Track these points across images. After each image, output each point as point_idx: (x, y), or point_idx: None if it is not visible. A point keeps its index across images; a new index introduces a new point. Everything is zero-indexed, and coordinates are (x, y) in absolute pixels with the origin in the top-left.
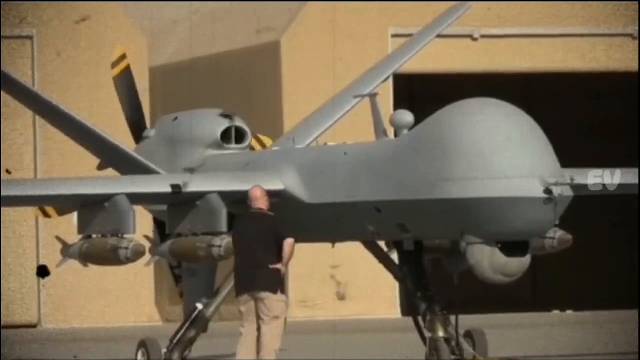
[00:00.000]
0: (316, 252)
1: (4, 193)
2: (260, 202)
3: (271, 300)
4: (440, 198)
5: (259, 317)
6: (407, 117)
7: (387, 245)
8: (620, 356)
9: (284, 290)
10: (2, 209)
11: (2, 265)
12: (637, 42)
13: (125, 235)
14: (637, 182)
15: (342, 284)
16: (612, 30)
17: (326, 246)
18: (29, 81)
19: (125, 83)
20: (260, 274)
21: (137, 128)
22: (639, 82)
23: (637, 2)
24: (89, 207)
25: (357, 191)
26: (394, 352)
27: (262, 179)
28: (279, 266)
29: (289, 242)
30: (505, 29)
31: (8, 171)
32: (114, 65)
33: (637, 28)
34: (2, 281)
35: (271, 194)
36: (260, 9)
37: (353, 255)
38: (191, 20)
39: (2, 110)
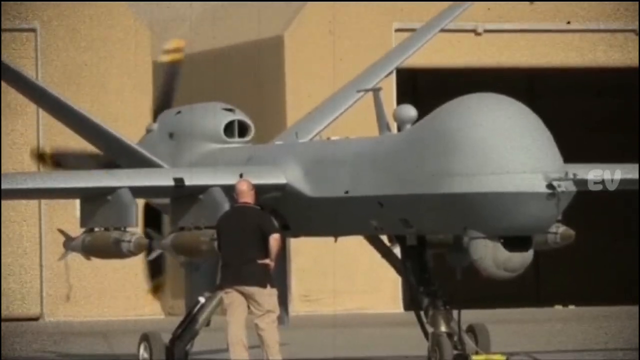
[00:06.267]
0: (318, 246)
1: (4, 186)
2: (247, 196)
3: (262, 295)
4: (443, 193)
5: (247, 310)
6: (410, 111)
7: (390, 239)
8: (621, 351)
9: (273, 285)
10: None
11: (2, 258)
12: (638, 38)
13: (128, 228)
14: (637, 177)
15: None
16: (615, 26)
17: (328, 240)
18: (32, 74)
19: (170, 73)
20: (248, 268)
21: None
22: (639, 77)
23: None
24: (92, 200)
25: (359, 185)
26: (396, 346)
27: (265, 173)
28: (267, 261)
29: (275, 237)
30: (508, 24)
31: None
32: (167, 52)
33: (639, 24)
34: (3, 273)
35: (274, 188)
36: (263, 3)
37: (355, 250)
38: (192, 15)
39: (2, 109)
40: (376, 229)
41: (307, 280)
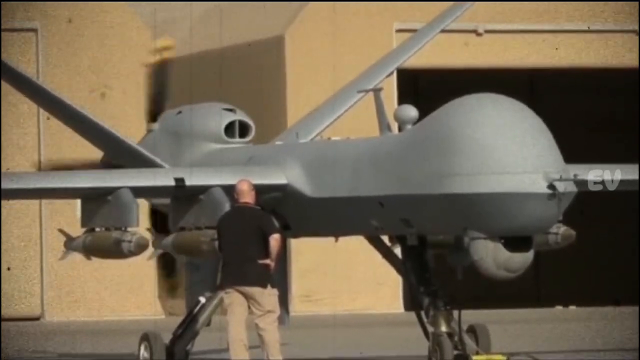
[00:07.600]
0: (319, 246)
1: (4, 186)
2: (247, 196)
3: (262, 295)
4: (443, 193)
5: (248, 310)
6: (411, 112)
7: (390, 240)
8: (621, 352)
9: (273, 285)
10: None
11: (3, 258)
12: (638, 38)
13: (129, 228)
14: (637, 178)
15: None
16: (615, 26)
17: (329, 240)
18: (33, 74)
19: (161, 72)
20: (249, 268)
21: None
22: (639, 78)
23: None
24: (93, 200)
25: (360, 186)
26: (397, 347)
27: (265, 173)
28: (267, 261)
29: (275, 237)
30: (509, 25)
31: None
32: (157, 51)
33: (639, 24)
34: (4, 273)
35: (275, 188)
36: (264, 3)
37: (356, 250)
38: (191, 15)
39: (3, 109)
40: (377, 229)
41: (307, 280)
